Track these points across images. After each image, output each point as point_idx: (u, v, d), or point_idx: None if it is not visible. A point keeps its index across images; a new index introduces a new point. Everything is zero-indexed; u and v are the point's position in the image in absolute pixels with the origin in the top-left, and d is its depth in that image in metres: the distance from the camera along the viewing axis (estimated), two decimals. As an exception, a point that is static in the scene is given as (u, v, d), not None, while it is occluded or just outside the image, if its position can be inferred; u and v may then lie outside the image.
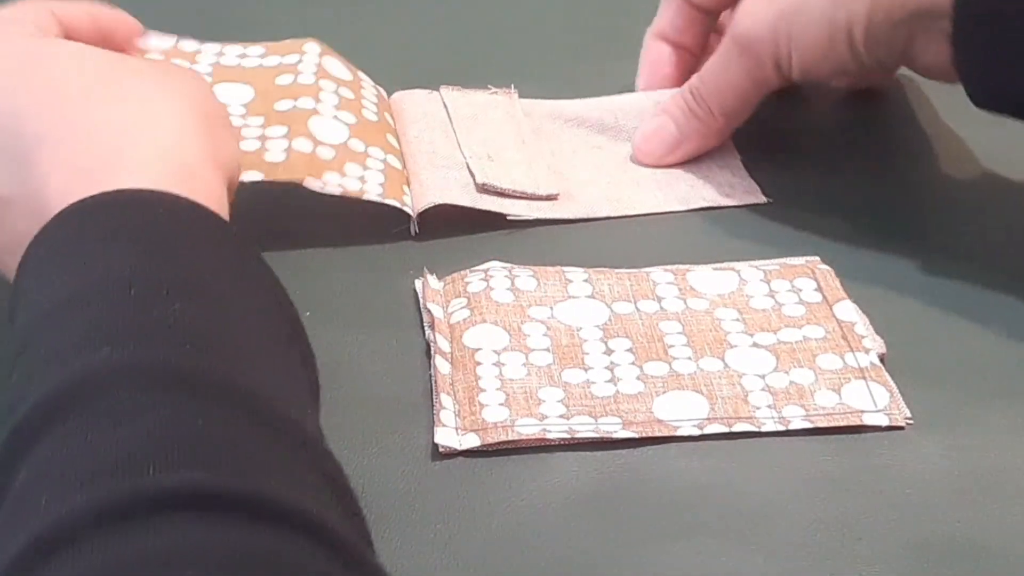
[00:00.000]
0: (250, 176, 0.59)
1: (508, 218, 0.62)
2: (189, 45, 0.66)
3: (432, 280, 0.58)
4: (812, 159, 0.67)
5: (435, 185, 0.62)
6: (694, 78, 0.66)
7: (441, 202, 0.61)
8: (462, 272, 0.58)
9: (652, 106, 0.68)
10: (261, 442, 0.39)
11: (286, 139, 0.61)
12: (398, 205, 0.61)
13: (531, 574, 0.46)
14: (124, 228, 0.45)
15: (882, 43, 0.60)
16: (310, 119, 0.62)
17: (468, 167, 0.64)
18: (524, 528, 0.48)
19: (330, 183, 0.60)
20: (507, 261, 0.59)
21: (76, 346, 0.40)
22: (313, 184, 0.60)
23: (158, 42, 0.65)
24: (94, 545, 0.34)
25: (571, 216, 0.63)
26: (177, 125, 0.50)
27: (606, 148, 0.67)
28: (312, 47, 0.66)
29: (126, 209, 0.46)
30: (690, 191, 0.64)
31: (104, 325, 0.41)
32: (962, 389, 0.53)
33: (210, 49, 0.66)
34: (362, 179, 0.61)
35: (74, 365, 0.40)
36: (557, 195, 0.63)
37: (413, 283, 0.59)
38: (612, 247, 0.61)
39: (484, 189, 0.63)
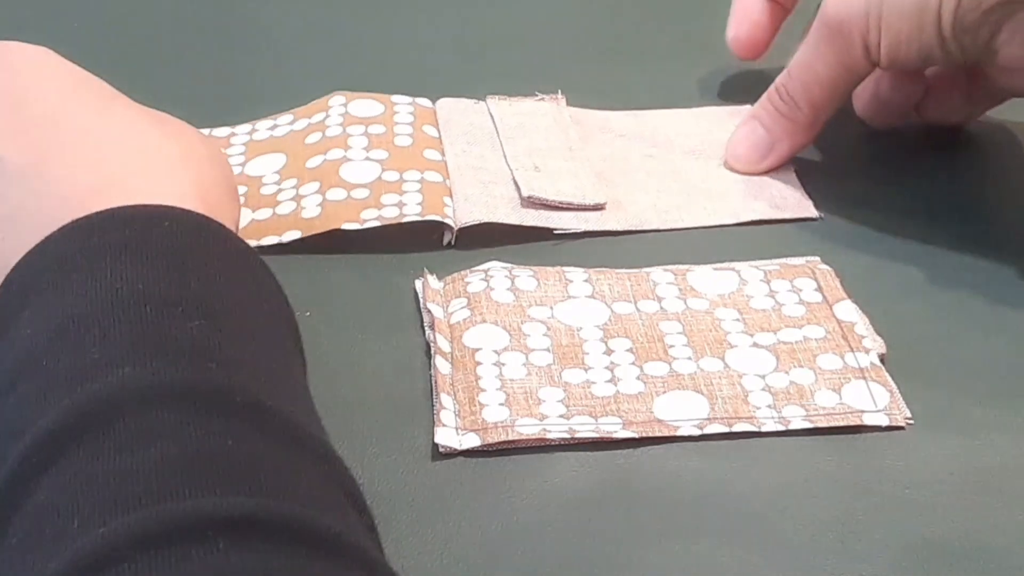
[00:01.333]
0: (289, 235, 0.60)
1: (555, 232, 0.62)
2: (221, 131, 0.68)
3: (432, 280, 0.58)
4: (811, 159, 0.67)
5: (481, 202, 0.62)
6: (780, 76, 0.65)
7: (487, 220, 0.61)
8: (462, 272, 0.58)
9: (702, 128, 0.68)
10: (291, 462, 0.39)
11: (319, 193, 0.62)
12: (439, 219, 0.61)
13: (531, 574, 0.46)
14: (134, 242, 0.44)
15: (969, 30, 0.59)
16: (341, 167, 0.63)
17: (514, 179, 0.63)
18: (524, 528, 0.48)
19: (368, 220, 0.60)
20: (510, 262, 0.59)
21: (93, 365, 0.40)
22: (351, 226, 0.60)
23: None
24: (137, 569, 0.34)
25: (618, 228, 0.62)
26: (192, 162, 0.50)
27: (658, 157, 0.67)
28: (337, 100, 0.67)
29: (134, 223, 0.45)
30: (742, 204, 0.64)
31: (122, 343, 0.40)
32: (962, 389, 0.53)
33: (242, 130, 0.68)
34: (400, 204, 0.61)
35: (93, 384, 0.39)
36: (604, 204, 0.63)
37: (413, 283, 0.59)
38: (615, 247, 0.61)
39: (530, 202, 0.62)
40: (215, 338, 0.41)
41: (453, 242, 0.61)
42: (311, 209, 0.61)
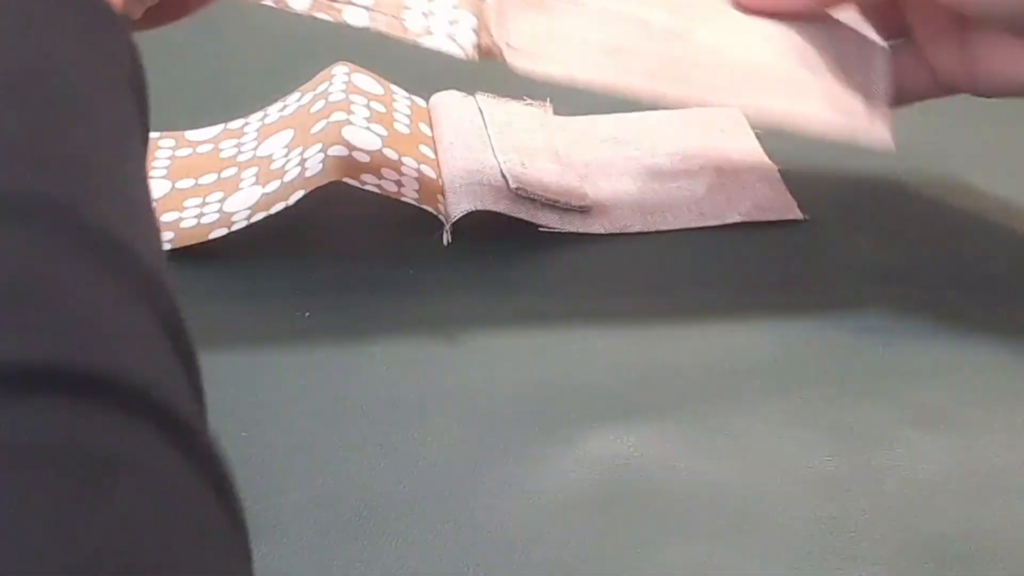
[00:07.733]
0: (295, 197, 0.60)
1: (539, 229, 0.62)
2: (235, 124, 0.68)
3: None
4: (797, 161, 0.67)
5: (469, 191, 0.62)
6: None
7: (475, 208, 0.61)
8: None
9: (688, 130, 0.68)
10: (103, 294, 0.31)
11: (322, 152, 0.62)
12: (433, 211, 0.61)
13: (531, 574, 0.46)
14: None
15: None
16: (343, 129, 0.63)
17: (501, 171, 0.64)
18: (524, 528, 0.48)
19: (368, 184, 0.60)
20: (500, 259, 0.59)
21: None
22: (350, 181, 0.60)
23: (207, 132, 0.68)
24: None
25: (602, 231, 0.62)
26: None
27: (642, 159, 0.67)
28: (340, 69, 0.67)
29: None
30: (726, 205, 0.64)
31: None
32: (962, 389, 0.53)
33: (255, 117, 0.68)
34: (399, 183, 0.61)
35: None
36: (590, 208, 0.63)
37: (411, 282, 0.59)
38: (600, 248, 0.61)
39: (517, 194, 0.62)
40: (31, 129, 0.33)
41: (450, 240, 0.61)
42: (314, 166, 0.61)
